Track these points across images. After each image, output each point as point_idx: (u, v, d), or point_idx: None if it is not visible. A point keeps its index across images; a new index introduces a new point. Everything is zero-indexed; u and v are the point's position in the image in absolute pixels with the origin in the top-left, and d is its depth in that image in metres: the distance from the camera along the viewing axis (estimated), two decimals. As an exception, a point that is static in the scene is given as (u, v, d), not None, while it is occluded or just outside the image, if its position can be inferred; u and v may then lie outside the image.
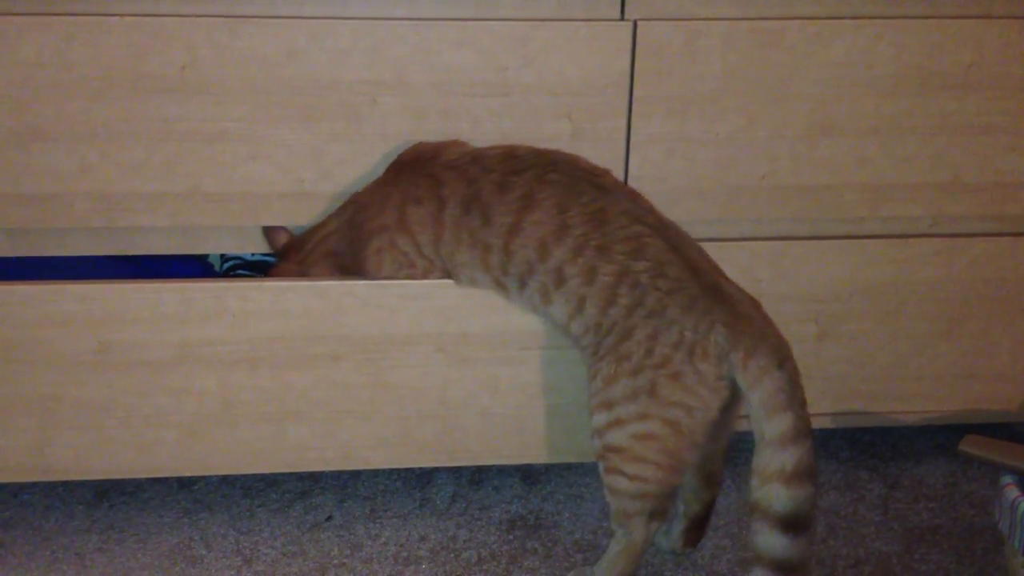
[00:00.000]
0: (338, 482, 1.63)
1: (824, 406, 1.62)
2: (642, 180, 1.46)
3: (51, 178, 1.40)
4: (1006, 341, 1.59)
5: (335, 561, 1.48)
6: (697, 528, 1.46)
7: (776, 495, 1.20)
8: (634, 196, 1.34)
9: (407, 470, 1.65)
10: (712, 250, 1.50)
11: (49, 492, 1.59)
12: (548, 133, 1.43)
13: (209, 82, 1.37)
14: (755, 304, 1.28)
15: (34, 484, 1.59)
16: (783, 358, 1.24)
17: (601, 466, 1.32)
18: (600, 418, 1.30)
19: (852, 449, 1.72)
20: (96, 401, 1.42)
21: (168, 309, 1.38)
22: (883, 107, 1.46)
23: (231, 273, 1.73)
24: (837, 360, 1.58)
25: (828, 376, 1.59)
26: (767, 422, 1.22)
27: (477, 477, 1.65)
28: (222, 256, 1.74)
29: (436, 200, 1.36)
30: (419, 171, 1.38)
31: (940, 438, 1.73)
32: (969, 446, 1.53)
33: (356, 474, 1.64)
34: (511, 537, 1.53)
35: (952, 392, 1.62)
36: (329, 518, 1.56)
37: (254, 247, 1.52)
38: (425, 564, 1.47)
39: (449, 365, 1.44)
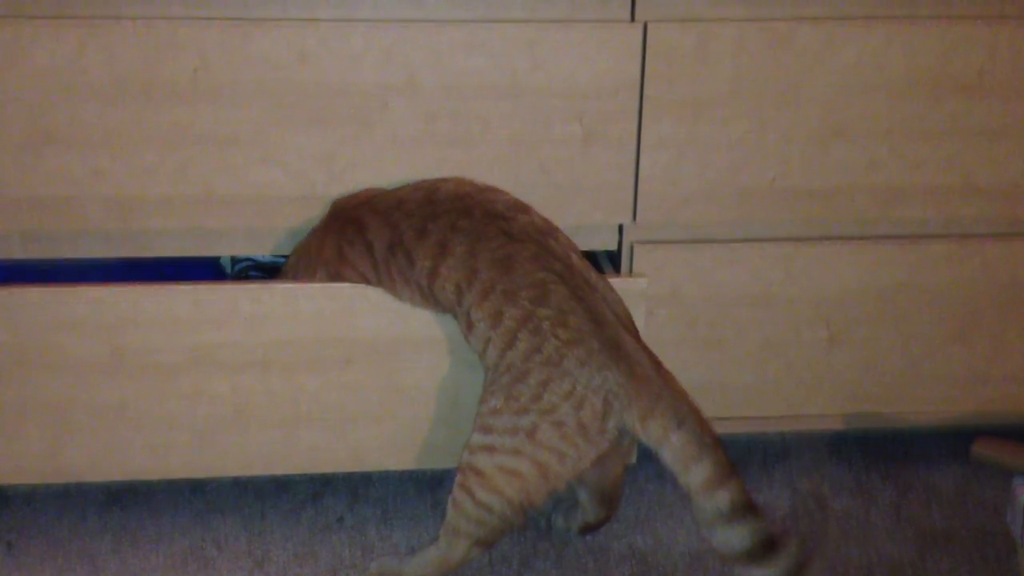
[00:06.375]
0: (349, 484, 1.63)
1: (835, 409, 1.61)
2: (653, 183, 1.47)
3: (64, 182, 1.41)
4: (1019, 344, 1.59)
5: (347, 563, 1.48)
6: (593, 529, 1.52)
7: (727, 537, 1.23)
8: (544, 241, 1.33)
9: (419, 472, 1.65)
10: (723, 252, 1.51)
11: (62, 494, 1.60)
12: (559, 136, 1.43)
13: (221, 86, 1.38)
14: (654, 363, 1.28)
15: (47, 486, 1.60)
16: (682, 416, 1.25)
17: (457, 478, 1.34)
18: (477, 437, 1.31)
19: (864, 453, 1.72)
20: (109, 404, 1.42)
21: (180, 312, 1.39)
22: (895, 110, 1.46)
23: (243, 275, 1.73)
24: (848, 363, 1.58)
25: (839, 379, 1.59)
26: (686, 474, 1.24)
27: (488, 480, 1.65)
28: (233, 258, 1.75)
29: (364, 243, 1.39)
30: (346, 217, 1.41)
31: (952, 441, 1.72)
32: (982, 449, 1.53)
33: (367, 477, 1.65)
34: (522, 539, 1.53)
35: (965, 395, 1.61)
36: (340, 520, 1.56)
37: (266, 250, 1.52)
38: (436, 567, 1.47)
39: (461, 368, 1.44)
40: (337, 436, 1.46)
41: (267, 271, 1.71)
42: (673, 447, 1.24)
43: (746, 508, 1.23)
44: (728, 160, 1.46)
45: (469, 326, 1.33)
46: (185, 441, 1.45)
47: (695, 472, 1.24)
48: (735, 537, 1.23)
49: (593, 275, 1.32)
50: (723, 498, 1.23)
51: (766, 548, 1.23)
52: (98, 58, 1.35)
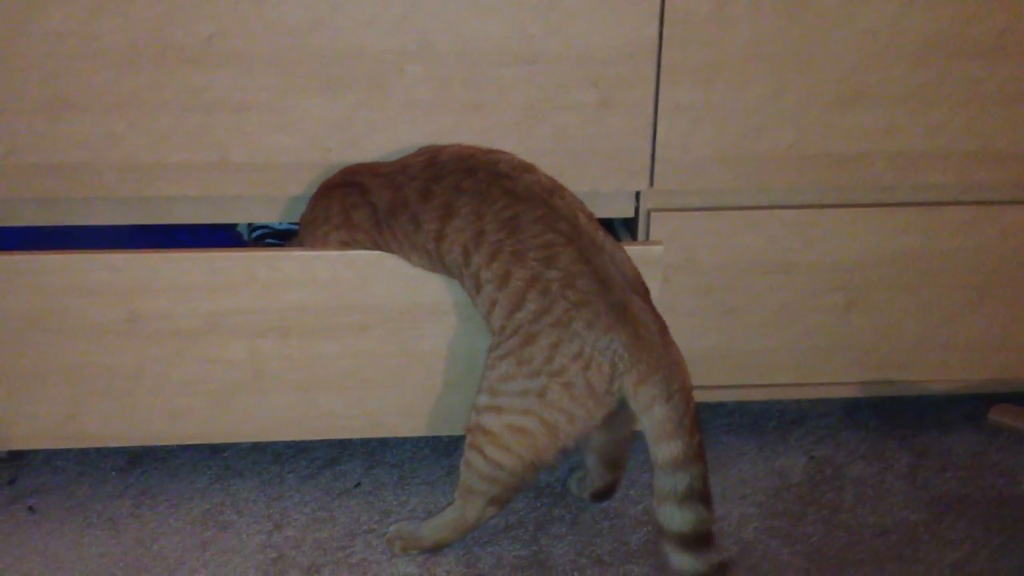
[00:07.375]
0: (366, 449, 1.64)
1: (852, 375, 1.61)
2: (669, 148, 1.46)
3: (79, 148, 1.41)
4: (1037, 310, 1.58)
5: (364, 527, 1.49)
6: (604, 495, 1.53)
7: (671, 515, 1.24)
8: (551, 200, 1.32)
9: (435, 438, 1.66)
10: (740, 219, 1.50)
11: (82, 458, 1.61)
12: (575, 101, 1.42)
13: (235, 52, 1.37)
14: (660, 328, 1.28)
15: (67, 451, 1.62)
16: (673, 391, 1.25)
17: (467, 439, 1.35)
18: (483, 399, 1.32)
19: (880, 418, 1.72)
20: (127, 369, 1.43)
21: (197, 279, 1.39)
22: (913, 74, 1.44)
23: (259, 242, 1.74)
24: (865, 329, 1.57)
25: (856, 345, 1.58)
26: (656, 447, 1.25)
27: (504, 445, 1.65)
28: (250, 225, 1.75)
29: (368, 205, 1.39)
30: (349, 182, 1.41)
31: (968, 407, 1.72)
32: (999, 415, 1.53)
33: (384, 441, 1.66)
34: (538, 504, 1.54)
35: (981, 361, 1.61)
36: (358, 485, 1.58)
37: (282, 216, 1.52)
38: (452, 531, 1.48)
39: (476, 334, 1.44)
40: (354, 402, 1.47)
41: (284, 238, 1.71)
42: (654, 418, 1.25)
43: (700, 496, 1.24)
44: (746, 125, 1.45)
45: (477, 287, 1.33)
46: (204, 406, 1.46)
47: (665, 448, 1.24)
48: (679, 518, 1.24)
49: (600, 235, 1.32)
50: (682, 480, 1.24)
51: (700, 540, 1.24)
52: (112, 23, 1.35)
